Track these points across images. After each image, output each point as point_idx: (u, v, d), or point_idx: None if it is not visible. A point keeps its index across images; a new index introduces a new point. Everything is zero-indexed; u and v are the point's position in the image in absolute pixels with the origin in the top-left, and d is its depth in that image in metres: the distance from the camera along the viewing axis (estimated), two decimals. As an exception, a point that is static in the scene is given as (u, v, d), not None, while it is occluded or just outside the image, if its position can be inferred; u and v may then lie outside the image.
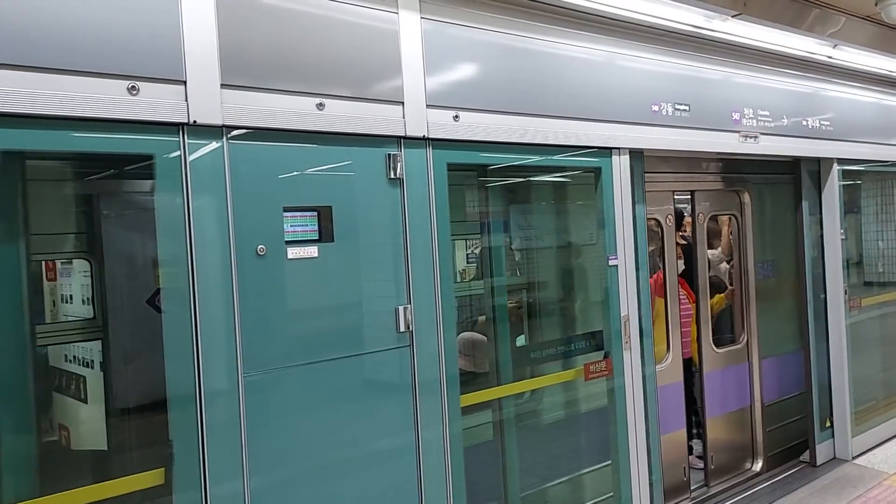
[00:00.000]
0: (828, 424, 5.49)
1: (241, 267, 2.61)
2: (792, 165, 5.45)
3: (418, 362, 3.08)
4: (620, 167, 3.95)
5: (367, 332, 2.96)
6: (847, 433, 5.57)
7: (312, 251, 2.80)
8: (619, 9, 3.72)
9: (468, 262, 6.05)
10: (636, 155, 4.03)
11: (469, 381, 3.84)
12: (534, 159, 3.69)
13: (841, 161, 5.54)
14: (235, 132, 2.62)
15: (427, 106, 3.15)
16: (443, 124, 3.20)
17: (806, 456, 5.56)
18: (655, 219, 4.85)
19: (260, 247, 2.67)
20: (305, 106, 2.80)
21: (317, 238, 2.82)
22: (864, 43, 5.00)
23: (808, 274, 5.42)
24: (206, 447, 2.51)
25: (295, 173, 2.80)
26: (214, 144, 2.57)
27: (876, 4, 4.06)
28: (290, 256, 2.74)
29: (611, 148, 3.90)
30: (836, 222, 5.54)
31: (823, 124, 5.33)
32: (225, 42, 2.59)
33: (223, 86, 2.59)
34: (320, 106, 2.83)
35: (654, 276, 5.30)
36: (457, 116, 3.26)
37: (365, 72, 2.97)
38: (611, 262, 3.90)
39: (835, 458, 5.62)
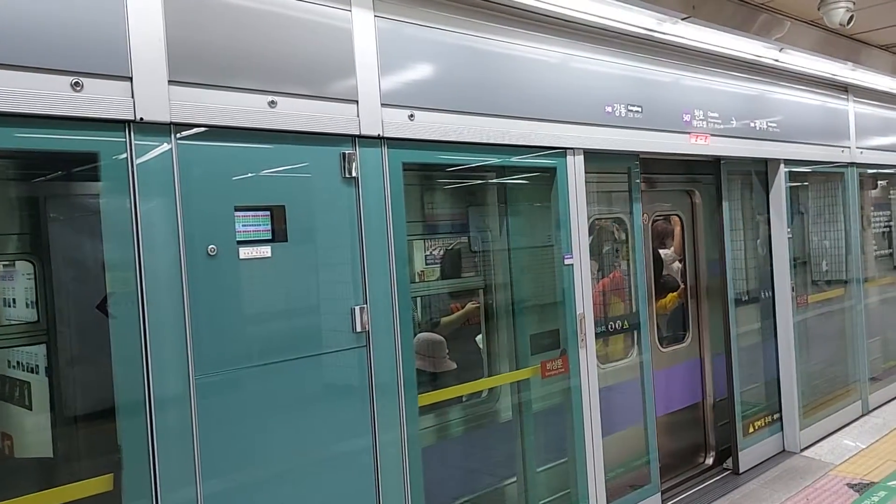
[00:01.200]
0: (751, 430, 5.47)
1: (192, 268, 2.56)
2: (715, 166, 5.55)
3: (375, 363, 3.05)
4: (575, 167, 3.98)
5: (323, 332, 2.92)
6: (795, 426, 5.73)
7: (265, 251, 2.76)
8: (572, 10, 3.75)
9: (427, 264, 6.05)
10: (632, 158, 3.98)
11: (426, 381, 3.83)
12: (490, 159, 3.70)
13: (788, 162, 5.68)
14: (184, 130, 2.57)
15: (382, 105, 3.13)
16: (398, 123, 3.19)
17: (729, 463, 5.48)
18: (619, 218, 4.91)
19: (211, 247, 2.62)
20: (257, 104, 2.75)
21: (270, 238, 2.77)
22: (809, 47, 5.14)
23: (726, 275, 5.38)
24: (157, 452, 2.45)
25: (247, 172, 2.75)
26: (162, 142, 2.51)
27: (818, 9, 4.17)
28: (242, 257, 2.70)
29: (565, 148, 3.93)
30: (783, 222, 5.68)
31: (771, 126, 5.47)
32: (173, 37, 2.53)
33: (171, 82, 2.53)
34: (272, 104, 2.79)
35: (611, 274, 5.38)
36: (412, 116, 3.25)
37: (318, 70, 2.94)
38: (566, 262, 3.94)
39: (784, 450, 5.77)
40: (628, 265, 5.36)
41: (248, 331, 2.72)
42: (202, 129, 2.61)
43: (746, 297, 5.64)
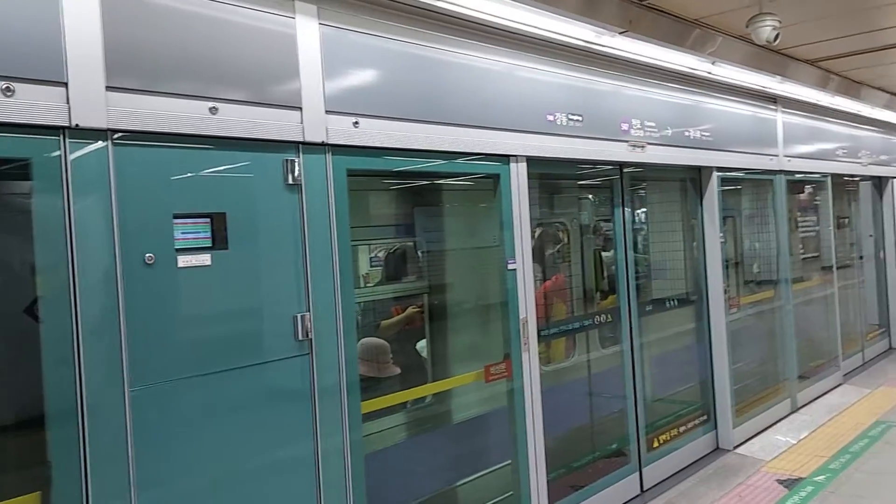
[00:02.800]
0: (659, 443, 5.35)
1: (128, 276, 2.51)
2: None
3: (318, 370, 3.04)
4: (518, 174, 4.05)
5: (265, 341, 2.90)
6: (729, 425, 5.93)
7: (205, 259, 2.72)
8: (515, 23, 3.81)
9: (371, 266, 6.04)
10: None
11: (370, 387, 3.83)
12: (434, 166, 3.72)
13: (720, 169, 5.89)
14: (122, 137, 2.51)
15: (326, 112, 3.12)
16: (342, 130, 3.19)
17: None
18: (560, 222, 5.00)
19: (148, 255, 2.57)
20: (198, 110, 2.71)
21: (210, 246, 2.74)
22: (740, 60, 5.34)
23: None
24: (89, 466, 2.39)
25: (187, 179, 2.71)
26: (99, 149, 2.46)
27: (746, 26, 4.34)
28: (180, 265, 2.65)
29: (508, 156, 3.99)
30: (715, 226, 5.88)
31: (704, 135, 5.65)
32: (111, 42, 2.48)
33: (108, 88, 2.48)
34: (213, 110, 2.75)
35: (553, 278, 5.48)
36: (357, 123, 3.25)
37: (261, 76, 2.91)
38: (510, 266, 3.99)
39: (718, 448, 5.96)
40: (570, 267, 5.49)
41: (187, 340, 2.68)
42: (140, 135, 2.56)
43: (675, 300, 5.80)
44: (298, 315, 2.99)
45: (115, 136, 2.50)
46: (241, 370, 2.81)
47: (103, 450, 2.43)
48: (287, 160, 2.98)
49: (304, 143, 3.04)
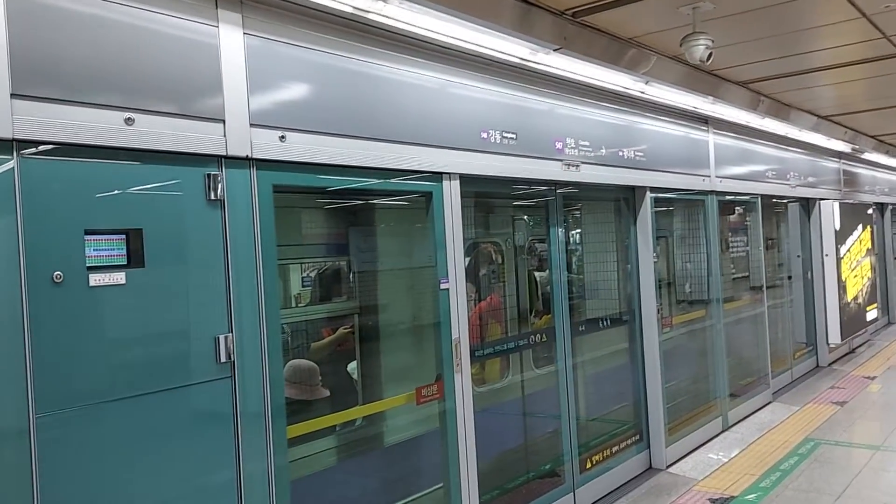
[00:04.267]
0: (592, 463, 5.30)
1: (34, 296, 2.35)
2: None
3: (241, 394, 2.92)
4: (451, 192, 4.00)
5: (184, 363, 2.76)
6: (661, 444, 5.98)
7: (119, 278, 2.58)
8: (449, 38, 3.78)
9: (303, 286, 5.91)
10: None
11: (298, 410, 3.71)
12: (366, 183, 3.65)
13: (653, 189, 5.98)
14: (29, 147, 2.37)
15: (251, 125, 3.02)
16: (268, 145, 3.09)
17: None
18: (495, 242, 4.97)
19: (56, 274, 2.42)
20: (112, 120, 2.58)
21: (124, 263, 2.60)
22: (673, 81, 5.45)
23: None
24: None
25: (100, 193, 2.57)
26: (3, 161, 2.31)
27: (680, 45, 4.42)
28: (92, 284, 2.51)
29: (441, 173, 3.94)
30: (648, 245, 5.95)
31: (638, 155, 5.73)
32: (18, 48, 2.33)
33: (14, 96, 2.33)
34: (129, 121, 2.62)
35: (488, 298, 5.45)
36: (283, 137, 3.16)
37: (181, 87, 2.79)
38: (442, 286, 3.94)
39: (651, 467, 5.99)
40: (504, 288, 5.47)
41: (100, 363, 2.52)
42: (50, 146, 2.42)
43: (608, 320, 5.83)
44: (221, 336, 2.86)
45: (22, 146, 2.35)
46: (157, 394, 2.67)
47: (4, 480, 2.26)
48: (209, 175, 2.86)
49: (227, 158, 2.93)
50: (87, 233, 2.51)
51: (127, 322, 2.61)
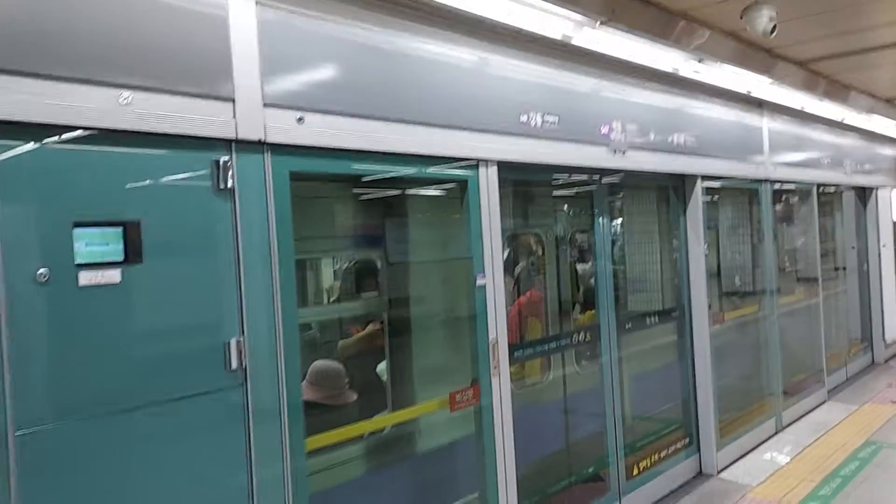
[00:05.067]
0: (639, 470, 4.99)
1: (13, 298, 2.08)
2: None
3: (254, 404, 2.62)
4: (488, 181, 3.66)
5: (187, 371, 2.46)
6: (712, 447, 5.57)
7: (113, 276, 2.29)
8: (486, 9, 3.42)
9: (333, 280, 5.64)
10: None
11: (322, 417, 3.41)
12: (393, 171, 3.32)
13: (705, 177, 5.55)
14: (10, 131, 2.09)
15: (265, 105, 2.71)
16: (284, 127, 2.77)
17: None
18: (536, 233, 4.64)
19: (41, 272, 2.14)
20: (106, 99, 2.29)
21: (120, 260, 2.31)
22: (726, 58, 5.02)
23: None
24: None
25: (92, 182, 2.28)
26: (-24, 143, 2.03)
27: (741, 17, 3.99)
28: (82, 283, 2.22)
29: (477, 159, 3.60)
30: (699, 238, 5.53)
31: (688, 140, 5.31)
32: (-7, 15, 2.05)
33: (-6, 71, 2.05)
34: (126, 100, 2.33)
35: (528, 293, 5.10)
36: (301, 119, 2.84)
37: (185, 62, 2.48)
38: (478, 283, 3.60)
39: (701, 473, 5.59)
40: (545, 281, 5.12)
41: (91, 373, 2.24)
42: (33, 128, 2.14)
43: (655, 316, 5.44)
44: (231, 341, 2.56)
45: (2, 129, 2.07)
46: (158, 406, 2.38)
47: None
48: (217, 160, 2.56)
49: (237, 142, 2.62)
50: (77, 226, 2.22)
51: (122, 326, 2.32)
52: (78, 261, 2.22)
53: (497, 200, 3.69)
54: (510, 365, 3.78)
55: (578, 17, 3.68)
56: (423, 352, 3.87)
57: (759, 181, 6.47)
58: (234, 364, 2.57)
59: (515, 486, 3.76)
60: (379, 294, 4.16)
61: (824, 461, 5.74)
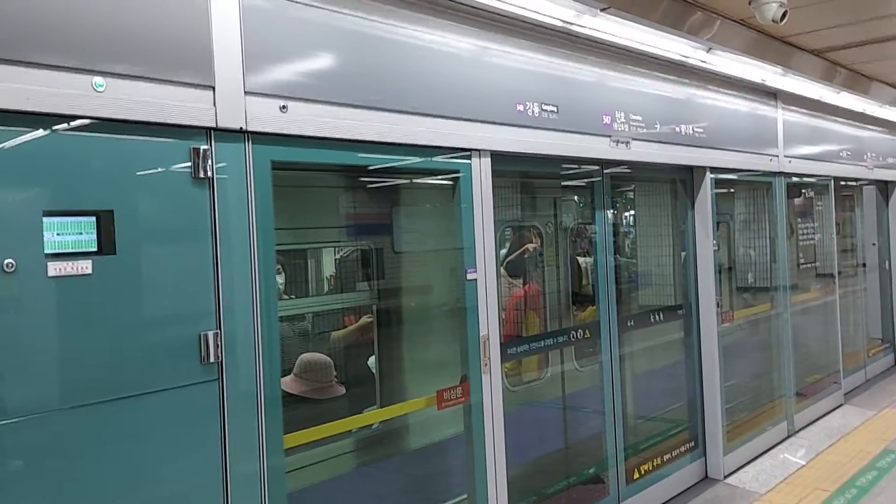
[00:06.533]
0: (640, 473, 4.84)
1: (-23, 288, 2.04)
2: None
3: (229, 399, 2.57)
4: (481, 172, 3.57)
5: (160, 365, 2.41)
6: (719, 451, 5.43)
7: (85, 266, 2.25)
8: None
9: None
10: None
11: (304, 410, 3.35)
12: (381, 160, 3.25)
13: (714, 169, 5.41)
14: (-26, 115, 2.05)
15: (246, 93, 2.65)
16: (267, 115, 2.71)
17: None
18: (535, 226, 4.54)
19: (7, 262, 2.10)
20: (79, 85, 2.23)
21: (93, 250, 2.27)
22: (738, 47, 4.87)
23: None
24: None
25: (64, 170, 2.24)
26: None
27: (749, 3, 3.85)
28: (52, 273, 2.18)
29: (470, 149, 3.51)
30: (708, 232, 5.40)
31: (697, 131, 5.18)
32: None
33: (-47, 55, 2.01)
34: (99, 86, 2.28)
35: (526, 286, 5.02)
36: (285, 107, 2.78)
37: (161, 47, 2.43)
38: (469, 276, 3.52)
39: (706, 477, 5.44)
40: (544, 274, 5.03)
41: (59, 366, 2.20)
42: (3, 114, 2.09)
43: (660, 313, 5.31)
44: (207, 333, 2.51)
45: (-34, 114, 2.03)
46: (126, 401, 2.33)
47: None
48: (195, 149, 2.50)
49: (216, 130, 2.56)
50: (47, 214, 2.18)
51: (94, 318, 2.27)
52: (48, 251, 2.17)
53: (490, 192, 3.60)
54: (504, 362, 3.70)
55: (579, 3, 3.56)
56: (412, 346, 3.80)
57: (773, 174, 6.30)
58: (211, 358, 2.52)
59: (506, 488, 3.68)
60: (369, 286, 4.09)
61: (839, 469, 5.54)
